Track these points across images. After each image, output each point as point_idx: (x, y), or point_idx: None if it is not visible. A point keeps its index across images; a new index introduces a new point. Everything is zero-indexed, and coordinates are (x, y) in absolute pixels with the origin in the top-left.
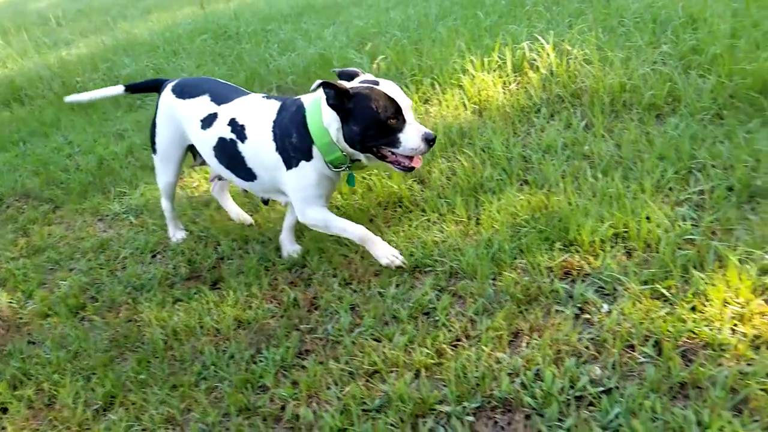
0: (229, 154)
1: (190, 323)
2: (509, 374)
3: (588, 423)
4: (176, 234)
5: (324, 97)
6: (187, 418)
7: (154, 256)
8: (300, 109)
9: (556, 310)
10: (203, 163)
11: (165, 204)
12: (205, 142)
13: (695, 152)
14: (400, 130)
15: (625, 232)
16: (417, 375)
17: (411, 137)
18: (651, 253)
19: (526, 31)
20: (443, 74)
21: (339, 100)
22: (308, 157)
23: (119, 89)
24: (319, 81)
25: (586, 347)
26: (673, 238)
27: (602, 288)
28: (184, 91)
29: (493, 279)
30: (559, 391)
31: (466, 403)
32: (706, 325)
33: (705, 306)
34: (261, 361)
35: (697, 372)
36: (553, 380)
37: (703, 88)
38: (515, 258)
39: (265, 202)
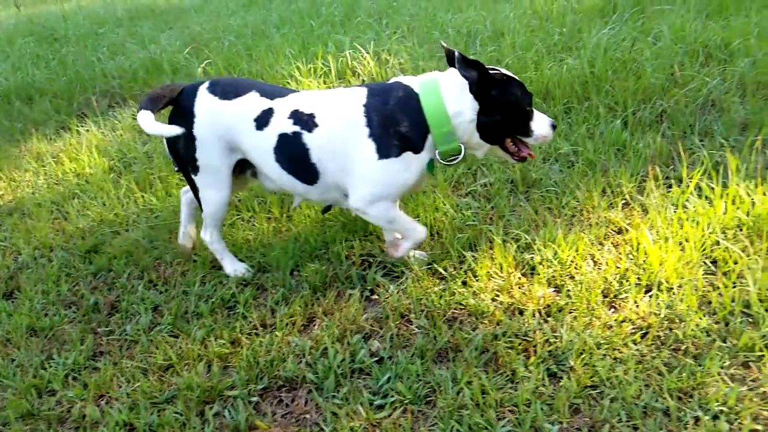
0: (291, 152)
1: None
2: (297, 355)
3: (360, 390)
4: (238, 267)
5: (446, 81)
6: None
7: None
8: (411, 95)
9: (349, 294)
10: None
11: (213, 235)
12: (262, 145)
13: None
14: (531, 118)
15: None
16: (210, 365)
17: (541, 125)
18: (436, 238)
19: (349, 40)
20: (272, 79)
21: (483, 86)
22: (417, 149)
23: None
24: (456, 53)
25: (371, 324)
26: (457, 224)
27: (393, 271)
28: (226, 91)
29: (297, 270)
30: (338, 365)
31: (252, 386)
32: (473, 297)
33: (473, 281)
34: (51, 366)
35: (458, 337)
36: (335, 356)
37: None
38: (320, 250)
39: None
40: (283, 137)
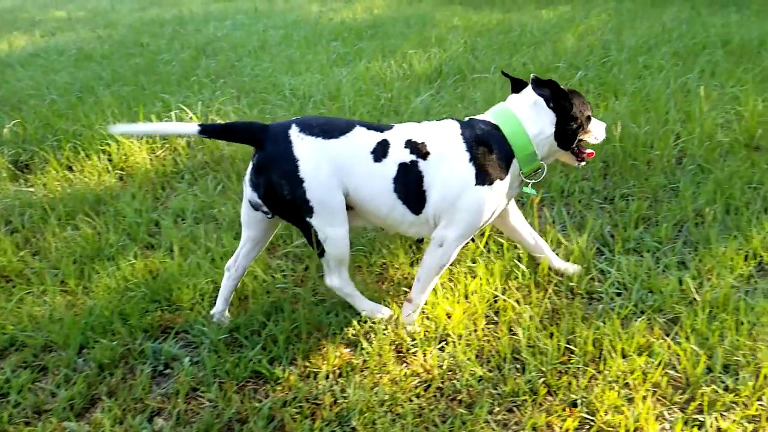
0: (408, 180)
1: None
2: None
3: None
4: (383, 310)
5: (516, 106)
6: None
7: None
8: (491, 125)
9: (141, 370)
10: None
11: (343, 276)
12: (381, 176)
13: None
14: (591, 122)
15: None
16: None
17: (598, 127)
18: (242, 303)
19: (176, 99)
20: (90, 139)
21: (558, 99)
22: (504, 175)
23: (193, 128)
24: (532, 76)
25: (159, 401)
26: (267, 287)
27: (192, 342)
28: (327, 130)
29: (86, 348)
30: None
31: None
32: (269, 363)
33: (273, 346)
34: None
35: (246, 407)
36: None
37: None
38: (113, 324)
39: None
40: (402, 166)
